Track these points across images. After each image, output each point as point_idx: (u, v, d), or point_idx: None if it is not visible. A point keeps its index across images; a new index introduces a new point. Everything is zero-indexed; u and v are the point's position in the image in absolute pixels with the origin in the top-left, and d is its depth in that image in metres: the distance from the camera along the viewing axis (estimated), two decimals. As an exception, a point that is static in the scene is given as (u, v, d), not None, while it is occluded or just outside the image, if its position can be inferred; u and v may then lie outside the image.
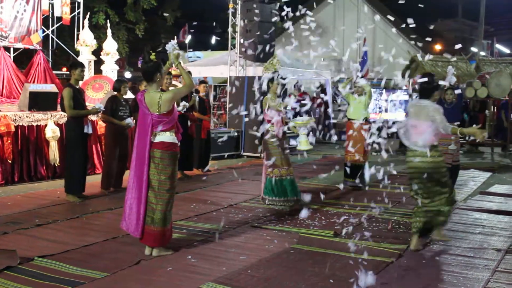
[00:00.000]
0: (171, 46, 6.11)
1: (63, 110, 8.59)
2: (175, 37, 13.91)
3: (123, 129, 9.29)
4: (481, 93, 14.46)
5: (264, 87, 8.07)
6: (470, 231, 7.04)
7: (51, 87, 11.14)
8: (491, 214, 8.07)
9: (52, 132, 10.04)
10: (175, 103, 6.05)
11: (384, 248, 6.09)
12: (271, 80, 8.26)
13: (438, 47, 34.74)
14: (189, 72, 6.66)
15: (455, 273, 5.44)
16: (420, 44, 27.90)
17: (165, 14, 25.19)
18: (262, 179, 8.37)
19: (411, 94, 14.87)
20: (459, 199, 9.12)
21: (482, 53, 26.40)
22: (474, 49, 27.54)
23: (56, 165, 10.16)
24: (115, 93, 9.35)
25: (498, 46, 31.10)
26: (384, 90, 14.52)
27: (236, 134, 14.23)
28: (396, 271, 5.48)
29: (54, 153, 10.05)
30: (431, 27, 36.35)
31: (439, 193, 6.16)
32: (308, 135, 8.55)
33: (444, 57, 19.66)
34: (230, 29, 15.76)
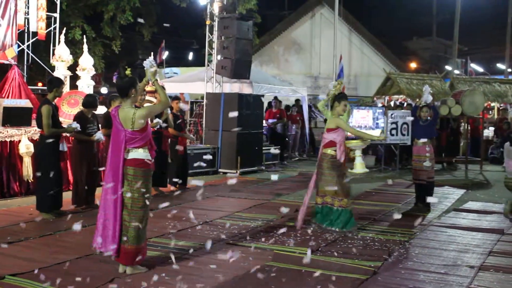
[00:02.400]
0: (149, 62, 6.07)
1: (39, 126, 8.46)
2: (152, 53, 13.83)
3: (91, 146, 9.17)
4: (455, 111, 14.61)
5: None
6: (444, 248, 7.09)
7: (25, 103, 11.03)
8: (465, 231, 8.12)
9: (26, 148, 9.92)
10: (149, 119, 6.02)
11: (359, 265, 6.10)
12: (337, 101, 8.00)
13: (413, 65, 35.18)
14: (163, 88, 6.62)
15: (429, 290, 5.47)
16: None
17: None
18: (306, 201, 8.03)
19: (386, 112, 14.96)
20: (432, 216, 9.19)
21: (456, 72, 26.75)
22: (448, 68, 27.92)
23: (30, 181, 10.03)
24: (84, 108, 9.26)
25: (473, 65, 31.53)
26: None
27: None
28: (370, 288, 5.49)
29: (27, 169, 9.92)
30: (406, 45, 36.89)
31: None
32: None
33: (419, 75, 19.93)
34: (207, 46, 15.81)
